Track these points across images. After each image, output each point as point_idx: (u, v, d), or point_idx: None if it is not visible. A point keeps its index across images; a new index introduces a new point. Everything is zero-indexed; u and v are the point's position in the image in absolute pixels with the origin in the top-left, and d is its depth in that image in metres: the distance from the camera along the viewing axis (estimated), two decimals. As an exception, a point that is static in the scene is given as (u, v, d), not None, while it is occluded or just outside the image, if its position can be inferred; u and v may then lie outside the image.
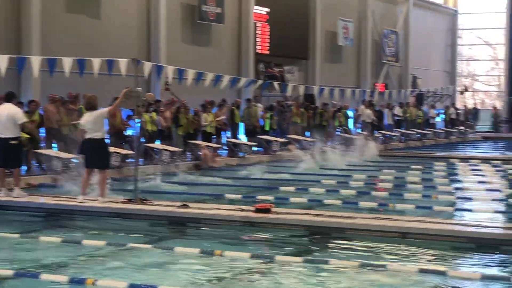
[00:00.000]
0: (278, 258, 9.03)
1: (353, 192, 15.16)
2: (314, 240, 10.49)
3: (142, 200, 12.58)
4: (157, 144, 20.44)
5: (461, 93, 48.16)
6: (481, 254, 9.54)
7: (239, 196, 14.18)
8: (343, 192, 15.07)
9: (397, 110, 33.55)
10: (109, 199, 12.89)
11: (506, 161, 23.18)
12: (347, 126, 30.10)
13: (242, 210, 11.66)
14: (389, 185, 16.56)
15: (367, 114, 30.04)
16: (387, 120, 32.35)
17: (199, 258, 9.10)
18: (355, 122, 31.17)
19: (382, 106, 33.06)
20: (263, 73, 30.69)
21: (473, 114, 41.36)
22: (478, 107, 45.65)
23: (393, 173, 19.09)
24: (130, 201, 12.64)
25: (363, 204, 13.29)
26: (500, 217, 12.36)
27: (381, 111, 32.12)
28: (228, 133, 24.22)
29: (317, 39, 34.82)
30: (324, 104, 29.29)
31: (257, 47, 30.47)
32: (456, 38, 51.21)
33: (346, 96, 30.16)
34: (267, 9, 30.95)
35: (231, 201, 13.69)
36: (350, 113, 30.97)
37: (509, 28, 46.93)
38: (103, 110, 13.19)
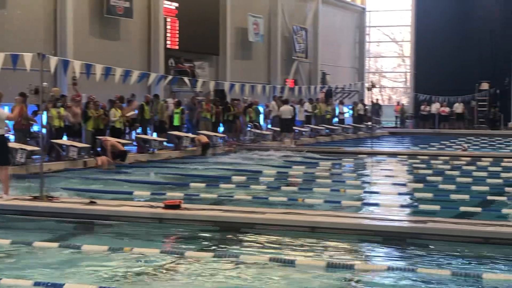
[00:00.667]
0: (188, 254, 8.98)
1: (263, 187, 15.22)
2: (224, 236, 10.47)
3: (48, 197, 12.32)
4: (64, 140, 20.02)
5: (369, 89, 48.96)
6: (388, 246, 9.72)
7: (148, 193, 14.05)
8: (254, 187, 15.11)
9: (307, 106, 33.92)
10: (14, 196, 12.56)
11: (411, 155, 23.78)
12: (258, 122, 30.24)
13: (151, 206, 11.59)
14: (298, 180, 16.72)
15: (289, 110, 30.02)
16: (299, 116, 32.60)
17: (107, 255, 8.97)
18: (265, 118, 31.35)
19: (293, 102, 33.31)
20: (173, 69, 30.45)
21: (375, 109, 42.13)
22: (381, 103, 46.50)
23: (303, 169, 19.28)
24: (36, 198, 12.35)
25: (273, 199, 13.38)
26: (406, 210, 12.63)
27: (293, 107, 32.31)
28: (139, 129, 23.95)
29: (228, 34, 34.79)
30: (234, 99, 29.32)
31: (167, 42, 30.17)
32: (364, 35, 52.07)
33: (257, 92, 30.26)
34: (177, 4, 30.69)
35: (141, 198, 13.56)
36: (261, 109, 31.14)
37: (414, 26, 48.05)
38: (4, 112, 13.00)
